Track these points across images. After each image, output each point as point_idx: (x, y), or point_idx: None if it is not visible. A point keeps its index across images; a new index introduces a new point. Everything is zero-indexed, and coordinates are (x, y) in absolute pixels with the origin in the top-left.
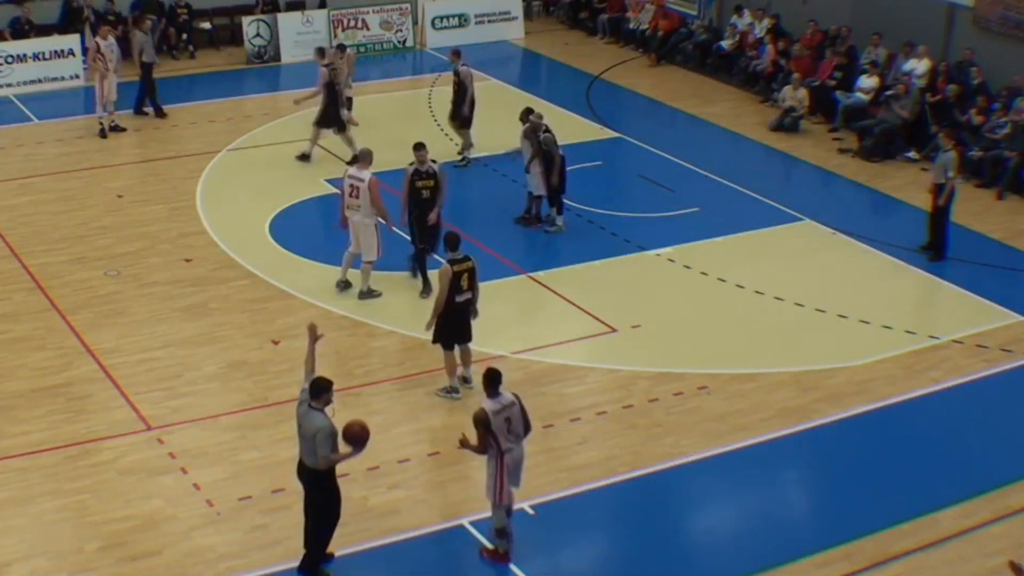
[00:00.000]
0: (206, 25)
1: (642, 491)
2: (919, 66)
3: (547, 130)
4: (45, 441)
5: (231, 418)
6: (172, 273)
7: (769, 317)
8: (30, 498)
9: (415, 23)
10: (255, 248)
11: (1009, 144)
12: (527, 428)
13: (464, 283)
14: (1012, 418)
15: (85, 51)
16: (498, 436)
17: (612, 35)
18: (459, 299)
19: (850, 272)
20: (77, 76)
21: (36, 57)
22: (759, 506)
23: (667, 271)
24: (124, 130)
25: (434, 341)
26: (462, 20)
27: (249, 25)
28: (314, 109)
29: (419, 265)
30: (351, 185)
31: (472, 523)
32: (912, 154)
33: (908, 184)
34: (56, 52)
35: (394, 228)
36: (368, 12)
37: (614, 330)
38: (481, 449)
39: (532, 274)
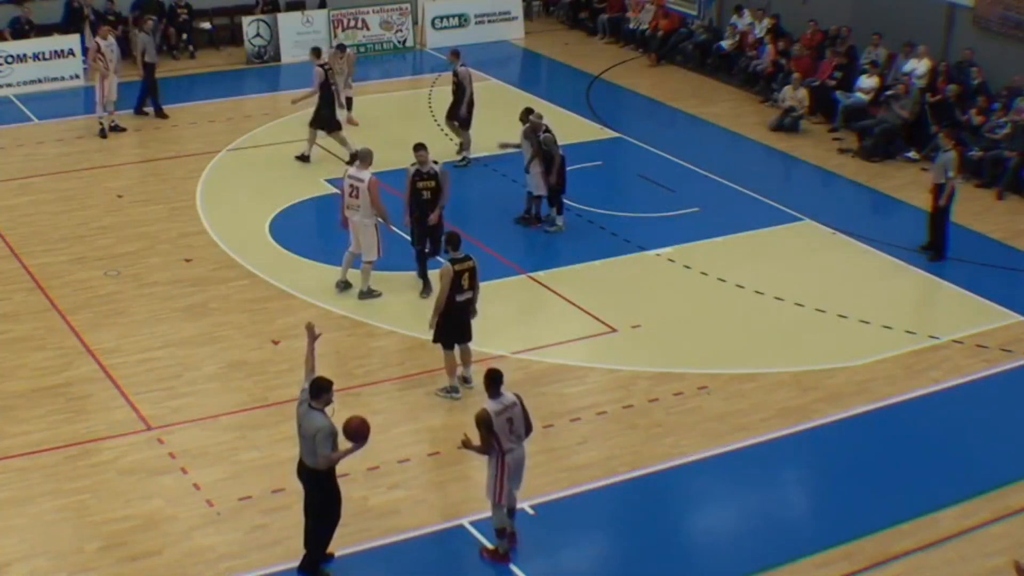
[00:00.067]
0: (206, 25)
1: (642, 491)
2: (919, 66)
3: (547, 130)
4: (45, 441)
5: (231, 418)
6: (172, 273)
7: (769, 317)
8: (30, 498)
9: (415, 23)
10: (255, 248)
11: (1009, 144)
12: (528, 429)
13: (465, 282)
14: (1012, 418)
15: (85, 51)
16: (500, 437)
17: (612, 35)
18: (460, 298)
19: (850, 272)
20: (77, 76)
21: (36, 57)
22: (759, 506)
23: (667, 271)
24: (124, 130)
25: (434, 341)
26: (462, 20)
27: (249, 25)
28: (311, 110)
29: (419, 265)
30: (351, 185)
31: (472, 523)
32: (912, 154)
33: (908, 184)
34: (56, 52)
35: (393, 228)
36: (368, 12)
37: (614, 330)
38: (484, 449)
39: (532, 274)
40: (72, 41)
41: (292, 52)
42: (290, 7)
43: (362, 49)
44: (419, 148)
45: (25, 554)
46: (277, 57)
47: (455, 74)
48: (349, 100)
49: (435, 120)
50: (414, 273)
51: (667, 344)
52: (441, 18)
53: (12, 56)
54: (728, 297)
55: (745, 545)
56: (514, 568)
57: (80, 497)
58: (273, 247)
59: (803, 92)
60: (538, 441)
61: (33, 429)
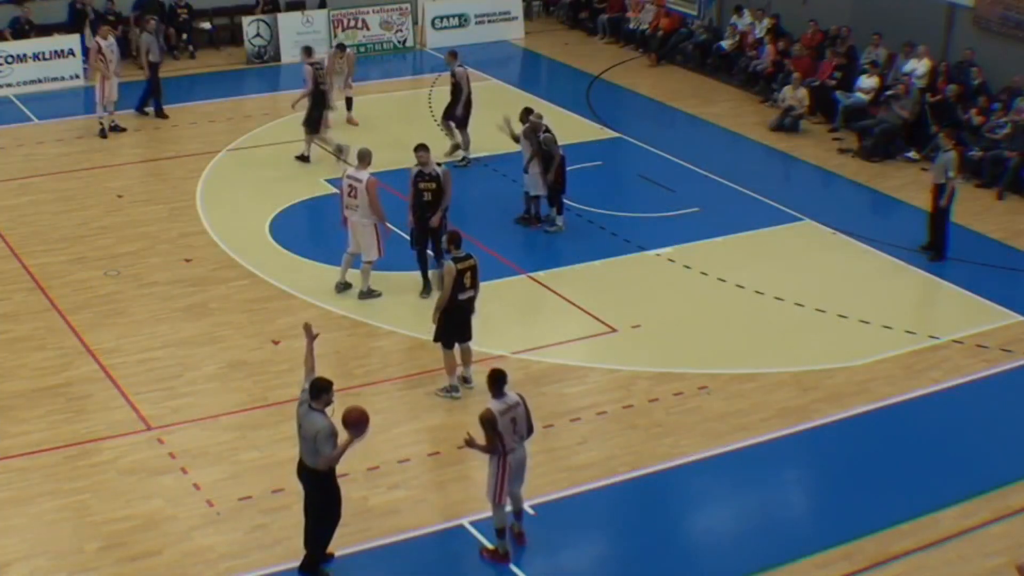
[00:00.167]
0: (206, 25)
1: (642, 491)
2: (919, 66)
3: (547, 130)
4: (45, 441)
5: (231, 418)
6: (172, 273)
7: (769, 317)
8: (30, 498)
9: (415, 23)
10: (255, 248)
11: (1009, 144)
12: (530, 430)
13: (467, 281)
14: (1012, 418)
15: (85, 51)
16: (504, 436)
17: (612, 35)
18: (462, 297)
19: (850, 272)
20: (77, 76)
21: (36, 57)
22: (759, 506)
23: (667, 271)
24: (124, 130)
25: (435, 339)
26: (462, 20)
27: (249, 25)
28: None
29: (420, 265)
30: (350, 185)
31: (472, 523)
32: (912, 154)
33: (908, 184)
34: (56, 52)
35: (390, 227)
36: (368, 12)
37: (614, 330)
38: (489, 449)
39: (532, 274)
40: (72, 41)
41: (292, 52)
42: (290, 7)
43: (362, 49)
44: (420, 149)
45: (25, 554)
46: (277, 57)
47: (452, 75)
48: (349, 100)
49: (435, 120)
50: (416, 273)
51: (667, 344)
52: (441, 18)
53: (12, 56)
54: (728, 297)
55: (745, 545)
56: (514, 568)
57: (80, 497)
58: (273, 247)
59: (803, 92)
60: (538, 441)
61: (33, 429)
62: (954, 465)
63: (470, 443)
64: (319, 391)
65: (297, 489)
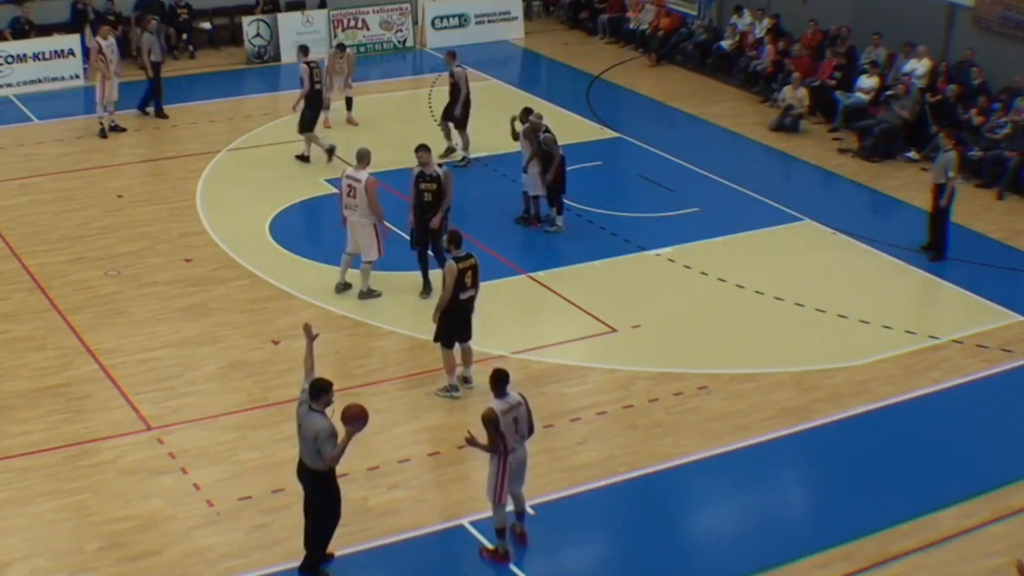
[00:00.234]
0: (206, 25)
1: (642, 491)
2: (919, 66)
3: (547, 130)
4: (45, 441)
5: (231, 418)
6: (172, 273)
7: (769, 317)
8: (30, 498)
9: (415, 23)
10: (255, 248)
11: (1009, 144)
12: (530, 429)
13: (468, 280)
14: (1012, 418)
15: (86, 51)
16: (506, 436)
17: (612, 35)
18: (463, 296)
19: (850, 272)
20: (77, 76)
21: (36, 57)
22: (759, 506)
23: (667, 271)
24: (124, 130)
25: (435, 339)
26: (462, 20)
27: (249, 25)
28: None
29: (420, 265)
30: (349, 185)
31: (472, 523)
32: (912, 154)
33: (908, 184)
34: (56, 52)
35: (389, 226)
36: (368, 12)
37: (614, 330)
38: (491, 448)
39: (532, 274)
40: (72, 41)
41: (292, 52)
42: (290, 7)
43: (362, 49)
44: (420, 149)
45: (25, 554)
46: (277, 57)
47: (451, 75)
48: (349, 100)
49: (435, 120)
50: (416, 273)
51: (667, 344)
52: (441, 18)
53: (12, 56)
54: (728, 297)
55: (745, 545)
56: (514, 568)
57: (80, 497)
58: (273, 247)
59: (803, 92)
60: (538, 441)
61: (33, 429)
62: (954, 465)
63: (471, 441)
64: (319, 392)
65: (297, 489)
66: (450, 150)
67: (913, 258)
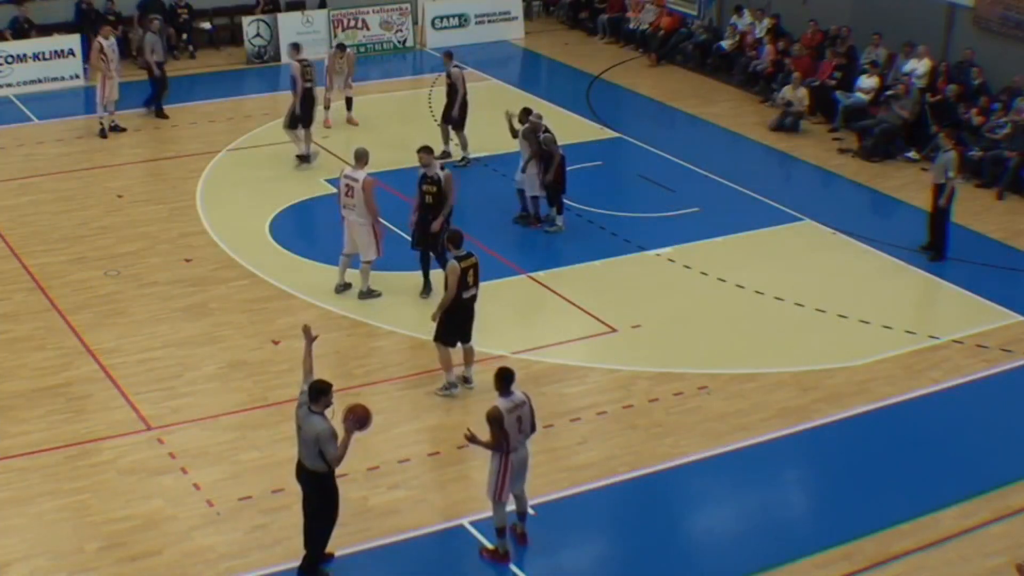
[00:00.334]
0: (206, 25)
1: (642, 491)
2: (919, 66)
3: (547, 130)
4: (45, 441)
5: (231, 418)
6: (172, 273)
7: (769, 317)
8: (30, 498)
9: (415, 23)
10: (255, 248)
11: (1009, 144)
12: (532, 428)
13: (470, 279)
14: (1012, 418)
15: (86, 51)
16: (509, 434)
17: (612, 35)
18: (466, 295)
19: (850, 272)
20: (77, 76)
21: (36, 57)
22: (759, 506)
23: (667, 271)
24: (124, 130)
25: (435, 338)
26: (462, 20)
27: (249, 25)
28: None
29: (422, 265)
30: (346, 185)
31: (472, 523)
32: (912, 154)
33: (908, 184)
34: (56, 52)
35: (383, 223)
36: (368, 12)
37: (614, 330)
38: (493, 445)
39: (532, 274)
40: (72, 41)
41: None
42: (290, 7)
43: (362, 49)
44: (422, 151)
45: (25, 554)
46: (277, 57)
47: (448, 75)
48: (349, 100)
49: (435, 120)
50: (416, 273)
51: (667, 344)
52: (441, 18)
53: (12, 56)
54: (728, 297)
55: (745, 545)
56: (514, 568)
57: (80, 497)
58: (273, 247)
59: (803, 91)
60: (538, 441)
61: (33, 429)
62: (954, 465)
63: (471, 439)
64: (318, 394)
65: (297, 489)
66: (445, 154)
67: (913, 258)
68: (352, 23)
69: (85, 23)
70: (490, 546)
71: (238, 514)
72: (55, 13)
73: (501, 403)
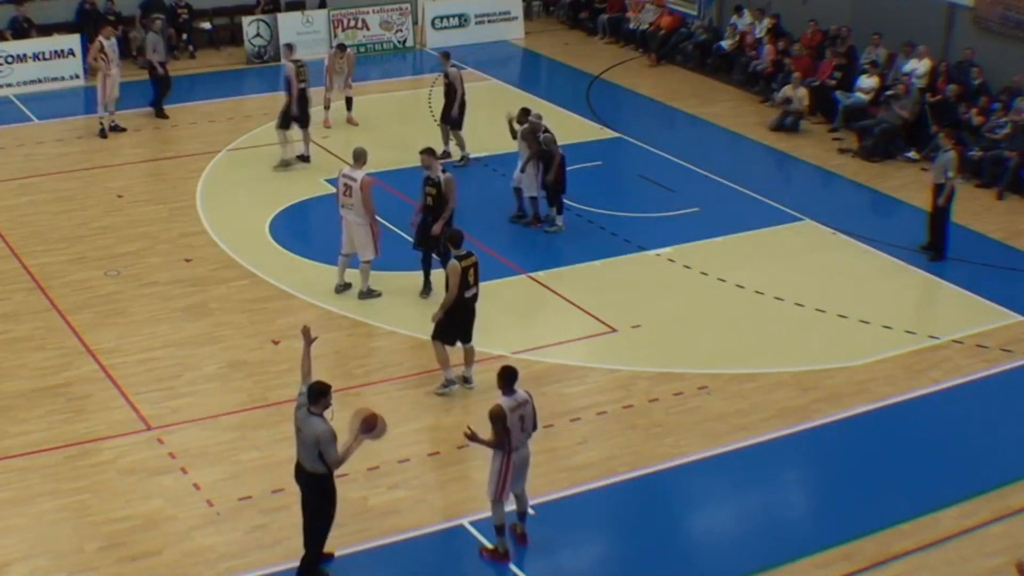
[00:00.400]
0: (206, 25)
1: (642, 491)
2: (919, 66)
3: (546, 130)
4: (45, 441)
5: (231, 418)
6: (172, 273)
7: (769, 317)
8: (30, 498)
9: (415, 23)
10: (255, 248)
11: (1009, 144)
12: (534, 427)
13: (471, 278)
14: (1012, 418)
15: (86, 51)
16: (512, 433)
17: (612, 35)
18: (467, 295)
19: (850, 272)
20: (77, 76)
21: (36, 57)
22: (759, 506)
23: (667, 271)
24: (124, 130)
25: (434, 337)
26: (462, 20)
27: (249, 25)
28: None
29: (423, 265)
30: (345, 184)
31: (472, 523)
32: (912, 154)
33: (908, 184)
34: (56, 52)
35: (380, 220)
36: (368, 12)
37: (614, 330)
38: (494, 444)
39: (532, 274)
40: (72, 41)
41: None
42: (290, 7)
43: (362, 49)
44: (423, 152)
45: (25, 554)
46: (277, 57)
47: (446, 75)
48: (349, 100)
49: (435, 120)
50: (416, 273)
51: (667, 344)
52: (441, 18)
53: (12, 56)
54: (728, 297)
55: (745, 545)
56: (514, 568)
57: (80, 497)
58: (273, 247)
59: (803, 91)
60: (538, 441)
61: (33, 429)
62: (954, 465)
63: (472, 437)
64: (318, 395)
65: (297, 489)
66: (445, 154)
67: (913, 258)
68: (352, 23)
69: (86, 23)
70: (490, 546)
71: (238, 514)
72: (55, 13)
73: (504, 401)
